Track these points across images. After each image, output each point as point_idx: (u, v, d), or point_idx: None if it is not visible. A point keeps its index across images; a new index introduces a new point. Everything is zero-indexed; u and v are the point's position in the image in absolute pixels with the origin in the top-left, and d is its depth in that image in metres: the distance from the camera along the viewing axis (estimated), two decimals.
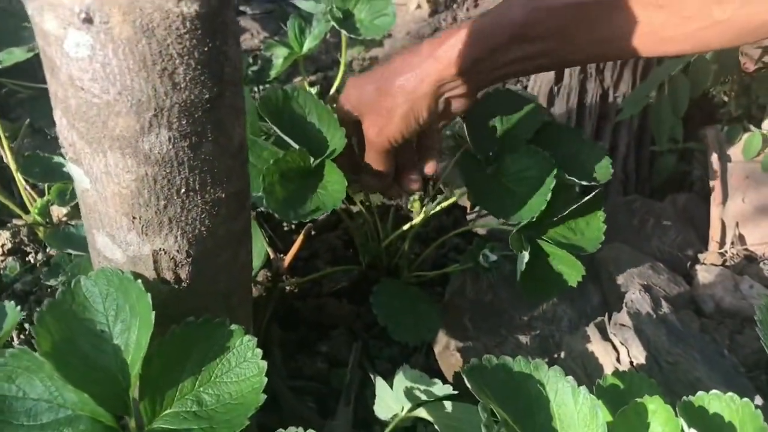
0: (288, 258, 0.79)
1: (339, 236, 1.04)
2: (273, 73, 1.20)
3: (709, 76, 1.07)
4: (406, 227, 0.91)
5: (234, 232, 0.53)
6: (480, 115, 0.85)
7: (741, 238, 1.10)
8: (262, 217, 1.10)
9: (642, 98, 1.07)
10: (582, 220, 0.84)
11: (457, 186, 0.93)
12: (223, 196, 0.49)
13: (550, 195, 0.75)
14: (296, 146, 0.78)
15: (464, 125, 0.82)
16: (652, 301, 0.79)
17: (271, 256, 0.80)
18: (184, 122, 0.43)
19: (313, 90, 1.15)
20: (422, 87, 0.68)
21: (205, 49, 0.41)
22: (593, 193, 0.79)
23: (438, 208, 0.88)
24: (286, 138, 0.79)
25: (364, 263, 0.96)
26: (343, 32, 1.06)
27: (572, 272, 0.79)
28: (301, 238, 0.78)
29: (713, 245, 1.10)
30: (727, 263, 1.08)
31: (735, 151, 1.12)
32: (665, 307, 0.79)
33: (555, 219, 0.81)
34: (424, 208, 0.92)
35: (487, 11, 0.69)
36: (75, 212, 1.02)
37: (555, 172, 0.76)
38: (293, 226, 1.07)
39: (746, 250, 1.10)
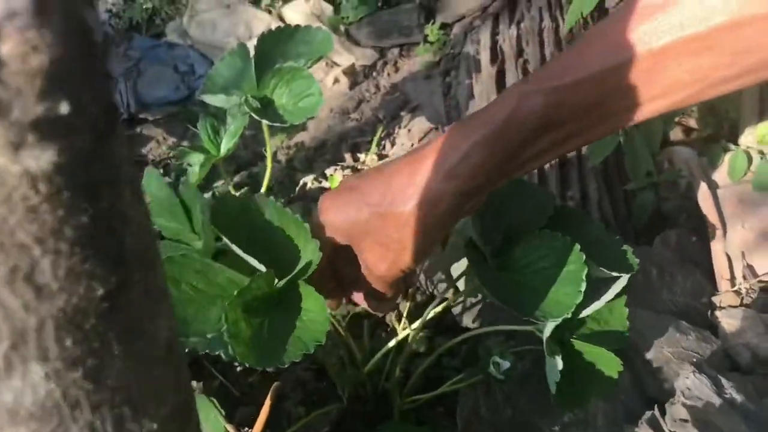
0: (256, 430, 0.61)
1: (307, 366, 0.86)
2: (192, 183, 1.03)
3: None
4: (392, 344, 0.75)
5: None
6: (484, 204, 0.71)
7: (751, 269, 0.98)
8: (207, 357, 0.91)
9: (611, 138, 0.95)
10: (605, 307, 0.70)
11: (452, 284, 0.78)
12: (155, 426, 0.31)
13: (584, 286, 0.60)
14: (260, 267, 0.62)
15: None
16: (712, 382, 0.64)
17: None
18: (68, 343, 0.26)
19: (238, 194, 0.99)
20: (440, 208, 0.56)
21: (83, 219, 0.25)
22: (620, 282, 0.65)
23: (432, 314, 0.72)
24: (248, 258, 0.63)
25: (345, 397, 0.79)
26: (265, 123, 0.91)
27: (609, 368, 0.64)
28: (269, 400, 0.61)
29: (724, 284, 0.98)
30: (744, 300, 0.96)
31: (720, 175, 1.01)
32: (728, 387, 0.64)
33: (583, 313, 0.66)
34: (408, 323, 0.76)
35: (488, 107, 0.56)
36: None
37: (583, 258, 0.62)
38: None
39: (760, 281, 0.97)
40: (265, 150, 1.06)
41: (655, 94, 0.50)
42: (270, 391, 0.61)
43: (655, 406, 0.67)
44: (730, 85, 0.49)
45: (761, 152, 0.99)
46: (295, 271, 0.66)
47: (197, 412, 0.37)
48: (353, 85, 1.49)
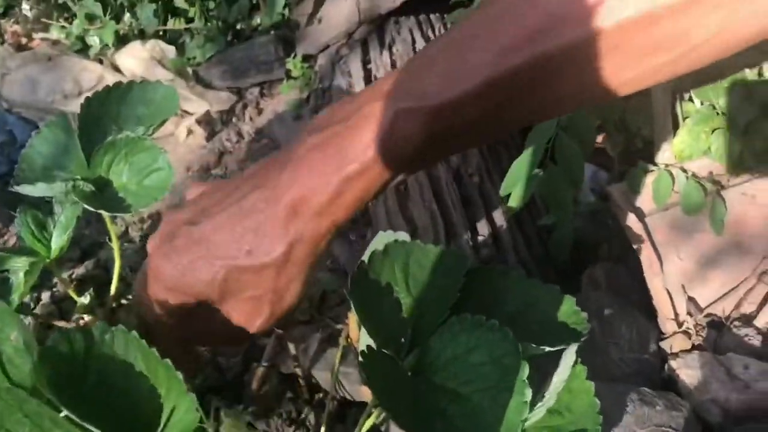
0: None
1: None
2: (16, 298, 0.79)
3: (592, 130, 0.84)
4: None
5: None
6: (369, 285, 0.53)
7: (694, 303, 0.87)
8: None
9: (528, 176, 0.81)
10: (564, 393, 0.54)
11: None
12: None
13: (529, 394, 0.45)
14: None
15: (352, 305, 0.50)
16: None
17: None
18: None
19: (87, 298, 0.77)
20: (319, 246, 0.49)
21: None
22: (569, 358, 0.51)
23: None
24: (89, 426, 0.44)
25: None
26: (103, 213, 0.71)
27: None
28: None
29: (669, 324, 0.86)
30: (695, 341, 0.85)
31: (644, 200, 0.90)
32: None
33: (532, 420, 0.51)
34: None
35: (355, 125, 0.45)
36: None
37: (518, 350, 0.46)
38: None
39: (706, 315, 0.87)
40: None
41: (553, 99, 0.44)
42: None
43: None
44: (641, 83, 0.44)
45: (683, 170, 0.89)
46: None
47: None
48: (211, 135, 1.28)
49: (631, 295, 0.92)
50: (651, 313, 0.89)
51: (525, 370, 0.47)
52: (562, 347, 0.51)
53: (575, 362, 0.55)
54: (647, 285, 0.89)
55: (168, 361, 0.48)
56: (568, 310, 0.55)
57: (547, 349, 0.50)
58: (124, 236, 1.11)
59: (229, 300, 0.51)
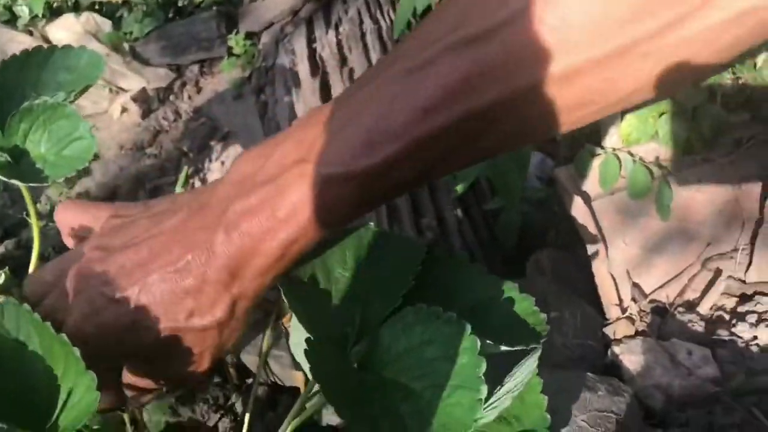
0: None
1: None
2: None
3: None
4: None
5: None
6: (304, 271, 0.49)
7: (638, 289, 0.86)
8: None
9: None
10: (516, 402, 0.51)
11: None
12: None
13: (485, 390, 0.41)
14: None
15: (281, 290, 0.46)
16: None
17: None
18: None
19: (2, 277, 0.71)
20: (247, 308, 0.45)
21: None
22: (530, 363, 0.47)
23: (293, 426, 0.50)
24: None
25: None
26: (19, 184, 0.65)
27: None
28: None
29: (613, 310, 0.85)
30: (639, 327, 0.83)
31: (591, 184, 0.88)
32: None
33: (481, 422, 0.47)
34: None
35: (280, 190, 0.42)
36: None
37: (477, 346, 0.43)
38: None
39: (651, 301, 0.85)
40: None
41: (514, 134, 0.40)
42: None
43: None
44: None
45: (630, 153, 0.87)
46: (53, 421, 0.42)
47: None
48: (147, 113, 1.22)
49: (576, 282, 0.90)
50: (596, 300, 0.87)
51: (482, 367, 0.43)
52: (520, 348, 0.48)
53: (534, 374, 0.52)
54: (592, 271, 0.88)
55: (64, 336, 0.43)
56: (527, 309, 0.51)
57: (505, 348, 0.47)
58: (49, 216, 1.04)
59: (167, 359, 0.47)
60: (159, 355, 0.46)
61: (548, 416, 0.49)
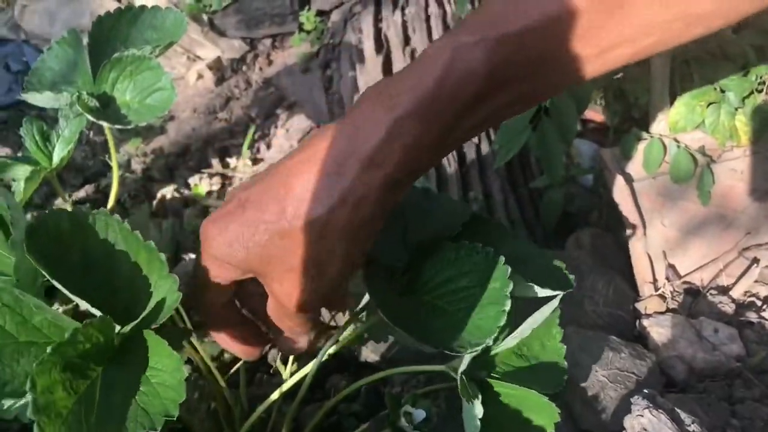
0: None
1: (168, 429, 0.68)
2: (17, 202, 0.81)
3: (590, 88, 0.85)
4: (276, 395, 0.58)
5: None
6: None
7: (674, 269, 0.89)
8: None
9: (520, 131, 0.83)
10: (535, 341, 0.57)
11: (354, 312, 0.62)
12: None
13: (509, 304, 0.47)
14: (94, 311, 0.45)
15: None
16: (671, 418, 0.52)
17: None
18: None
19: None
20: (365, 207, 0.42)
21: None
22: (552, 303, 0.52)
23: (326, 356, 0.57)
24: (77, 299, 0.46)
25: None
26: (105, 125, 0.72)
27: (542, 417, 0.51)
28: None
29: (647, 287, 0.88)
30: (670, 305, 0.86)
31: (635, 167, 0.91)
32: (689, 422, 0.52)
33: (503, 344, 0.53)
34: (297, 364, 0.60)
35: (410, 67, 0.42)
36: None
37: (508, 272, 0.48)
38: None
39: (684, 282, 0.88)
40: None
41: (623, 39, 0.40)
42: None
43: None
44: (712, 23, 0.39)
45: (676, 140, 0.90)
46: (142, 316, 0.49)
47: None
48: (220, 81, 1.30)
49: (613, 260, 0.93)
50: (630, 278, 0.91)
51: (509, 287, 0.49)
52: (548, 294, 0.53)
53: (555, 323, 0.57)
54: (631, 252, 0.91)
55: (151, 243, 0.50)
56: (557, 268, 0.57)
57: (536, 288, 0.52)
58: (126, 167, 1.13)
59: (272, 268, 0.46)
60: (263, 266, 0.45)
61: (565, 363, 0.55)
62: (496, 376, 0.53)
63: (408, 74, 0.41)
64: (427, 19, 1.24)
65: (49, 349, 0.41)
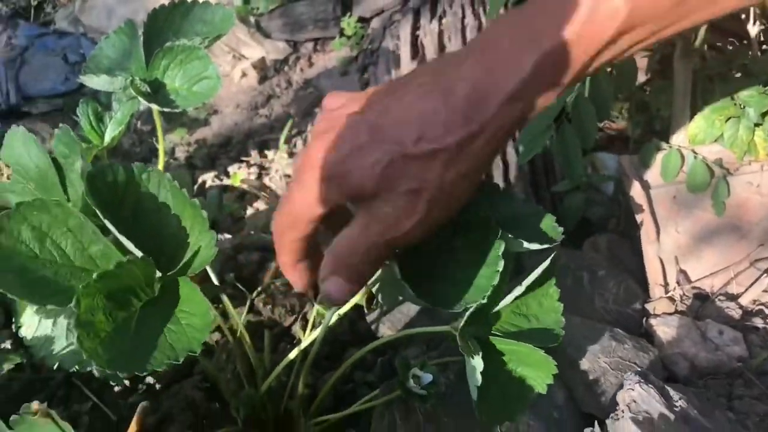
0: None
1: (197, 384, 0.74)
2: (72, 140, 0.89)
3: (611, 97, 0.89)
4: (293, 355, 0.63)
5: None
6: None
7: (685, 275, 0.92)
8: (80, 376, 0.78)
9: (542, 132, 0.87)
10: (533, 301, 0.61)
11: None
12: None
13: (501, 264, 0.51)
14: (137, 252, 0.51)
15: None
16: (660, 393, 0.56)
17: None
18: None
19: None
20: (498, 138, 0.44)
21: None
22: (548, 260, 0.57)
23: (335, 317, 0.62)
24: (125, 241, 0.51)
25: (240, 419, 0.67)
26: (154, 107, 0.78)
27: (539, 373, 0.55)
28: (134, 426, 0.48)
29: (657, 290, 0.91)
30: (679, 308, 0.89)
31: (653, 175, 0.95)
32: (677, 398, 0.56)
33: (501, 303, 0.57)
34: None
35: (545, 6, 0.43)
36: None
37: (498, 233, 0.53)
38: (128, 383, 0.75)
39: (694, 288, 0.92)
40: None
41: None
42: (137, 411, 0.49)
43: (595, 422, 0.59)
44: None
45: (694, 152, 0.94)
46: (181, 265, 0.55)
47: None
48: (263, 79, 1.37)
49: (628, 263, 0.97)
50: (643, 283, 0.94)
51: (501, 247, 0.53)
52: (535, 247, 0.57)
53: (548, 281, 0.61)
54: (644, 255, 0.94)
55: (195, 200, 0.56)
56: (548, 223, 0.61)
57: (526, 244, 0.57)
58: (170, 154, 1.20)
59: (383, 194, 0.44)
60: (376, 188, 0.44)
61: (563, 319, 0.59)
62: (498, 334, 0.57)
63: (550, 14, 0.42)
64: (463, 29, 1.29)
65: (95, 276, 0.47)
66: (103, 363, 0.44)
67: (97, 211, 0.53)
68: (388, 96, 0.45)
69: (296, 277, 0.52)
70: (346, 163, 0.44)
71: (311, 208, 0.46)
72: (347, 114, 0.45)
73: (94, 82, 0.83)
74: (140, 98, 0.78)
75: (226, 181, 1.11)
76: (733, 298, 0.90)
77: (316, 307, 0.74)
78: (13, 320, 0.64)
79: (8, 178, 0.65)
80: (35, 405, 0.46)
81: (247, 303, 0.79)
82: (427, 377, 0.59)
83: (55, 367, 0.62)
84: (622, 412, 0.56)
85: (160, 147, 0.85)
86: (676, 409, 0.55)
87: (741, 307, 0.89)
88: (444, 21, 1.31)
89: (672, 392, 0.57)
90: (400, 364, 0.60)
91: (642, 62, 1.05)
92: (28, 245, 0.52)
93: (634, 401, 0.55)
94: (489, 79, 0.42)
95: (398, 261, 0.53)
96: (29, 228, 0.52)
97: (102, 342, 0.45)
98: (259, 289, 0.82)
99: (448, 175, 0.43)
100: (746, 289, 0.91)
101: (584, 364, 0.71)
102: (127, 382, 0.76)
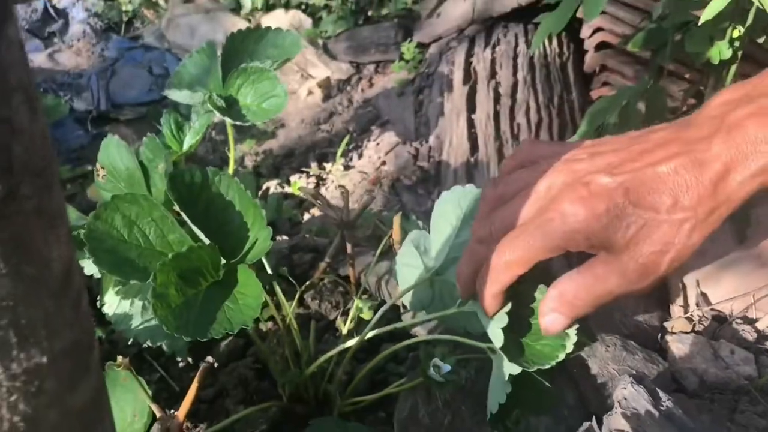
0: (182, 412, 0.59)
1: (250, 365, 0.84)
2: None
3: (639, 125, 0.97)
4: (336, 351, 0.73)
5: (75, 412, 0.34)
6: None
7: (705, 297, 0.98)
8: (150, 352, 0.89)
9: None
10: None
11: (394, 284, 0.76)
12: (45, 360, 0.30)
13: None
14: (206, 240, 0.62)
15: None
16: (649, 393, 0.63)
17: (158, 414, 0.60)
18: None
19: None
20: (731, 206, 0.49)
21: None
22: None
23: (378, 317, 0.71)
24: (197, 232, 0.62)
25: (285, 396, 0.77)
26: (228, 120, 0.90)
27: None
28: (196, 381, 0.59)
29: (677, 310, 0.98)
30: (696, 327, 0.95)
31: None
32: (665, 399, 0.64)
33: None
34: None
35: None
36: None
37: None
38: (191, 360, 0.86)
39: (713, 310, 0.97)
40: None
41: None
42: (201, 368, 0.59)
43: (593, 417, 0.66)
44: None
45: None
46: (241, 254, 0.66)
47: (99, 362, 0.35)
48: (326, 97, 1.49)
49: None
50: (664, 303, 1.00)
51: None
52: None
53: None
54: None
55: (257, 201, 0.66)
56: None
57: None
58: (240, 162, 1.32)
59: (631, 252, 0.49)
60: (624, 247, 0.48)
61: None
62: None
63: None
64: (515, 57, 1.38)
65: (170, 255, 0.57)
66: (172, 328, 0.55)
67: (176, 206, 0.64)
68: (634, 162, 0.49)
69: (494, 306, 0.57)
70: (602, 222, 0.48)
71: (545, 252, 0.51)
72: (591, 174, 0.50)
73: (177, 95, 0.96)
74: (216, 112, 0.90)
75: (287, 189, 1.22)
76: (750, 322, 0.96)
77: (356, 303, 0.84)
78: (98, 299, 0.75)
79: (103, 178, 0.77)
80: (120, 359, 0.57)
81: (296, 296, 0.89)
82: (446, 367, 0.68)
83: (130, 341, 0.73)
84: (615, 408, 0.63)
85: (231, 155, 0.97)
86: (661, 408, 0.62)
87: (757, 331, 0.94)
88: (497, 49, 1.39)
89: (661, 394, 0.64)
90: (423, 353, 0.69)
91: (678, 92, 1.11)
92: (119, 231, 0.63)
93: (625, 398, 0.63)
94: (738, 159, 0.47)
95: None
96: (121, 217, 0.63)
97: (172, 311, 0.56)
98: (308, 283, 0.92)
99: (692, 238, 0.48)
100: (765, 315, 0.96)
101: (594, 368, 0.79)
102: (190, 359, 0.87)
